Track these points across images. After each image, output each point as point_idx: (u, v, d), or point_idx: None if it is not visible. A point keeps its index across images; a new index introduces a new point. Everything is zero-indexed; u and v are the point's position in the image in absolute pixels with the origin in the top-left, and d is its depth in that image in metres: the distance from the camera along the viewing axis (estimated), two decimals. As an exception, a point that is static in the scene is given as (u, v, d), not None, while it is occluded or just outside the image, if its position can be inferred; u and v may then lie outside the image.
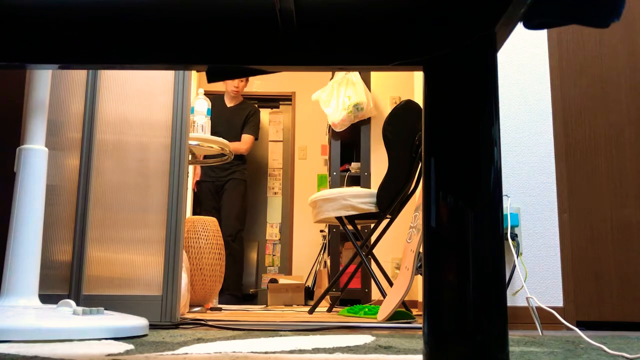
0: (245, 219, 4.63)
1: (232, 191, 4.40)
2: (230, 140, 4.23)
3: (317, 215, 2.81)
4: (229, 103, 4.42)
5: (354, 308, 2.61)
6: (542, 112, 2.32)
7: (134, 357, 0.96)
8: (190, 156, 3.19)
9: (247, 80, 4.70)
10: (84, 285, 1.88)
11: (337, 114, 4.13)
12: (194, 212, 4.66)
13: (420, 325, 1.92)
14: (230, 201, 4.39)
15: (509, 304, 2.10)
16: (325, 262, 4.36)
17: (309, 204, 2.97)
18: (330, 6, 0.64)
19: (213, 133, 4.17)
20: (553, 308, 1.91)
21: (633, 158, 2.28)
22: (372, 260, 2.88)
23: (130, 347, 1.16)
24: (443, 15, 0.62)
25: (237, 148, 4.29)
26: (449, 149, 0.61)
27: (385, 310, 2.18)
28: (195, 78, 5.23)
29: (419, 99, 3.11)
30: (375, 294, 4.02)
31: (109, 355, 1.00)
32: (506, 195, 2.24)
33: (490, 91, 0.61)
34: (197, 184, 4.47)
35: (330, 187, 4.26)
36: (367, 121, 4.32)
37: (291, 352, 1.08)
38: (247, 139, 4.38)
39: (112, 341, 1.28)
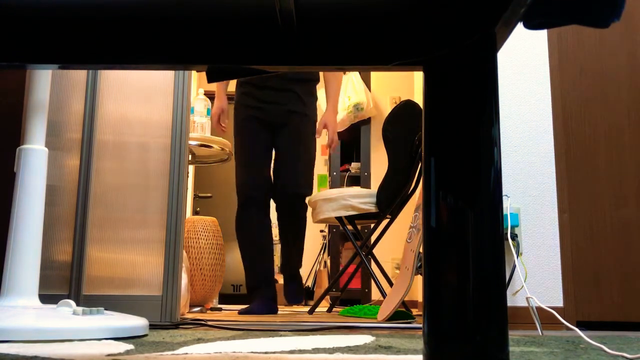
0: (312, 183, 2.87)
1: (297, 129, 2.73)
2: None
3: (317, 215, 2.81)
4: None
5: (354, 308, 2.61)
6: (542, 112, 2.32)
7: (134, 357, 0.96)
8: (190, 156, 3.19)
9: None
10: (84, 285, 1.88)
11: (337, 114, 4.13)
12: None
13: (420, 325, 1.92)
14: (293, 144, 2.72)
15: (509, 304, 2.10)
16: (325, 262, 4.36)
17: (308, 204, 2.97)
18: (330, 6, 0.64)
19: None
20: (553, 308, 1.91)
21: (633, 158, 2.28)
22: (372, 260, 2.88)
23: (130, 347, 1.16)
24: (443, 15, 0.62)
25: (338, 86, 2.92)
26: (449, 149, 0.61)
27: (385, 310, 2.18)
28: (195, 78, 5.23)
29: (419, 99, 3.11)
30: (375, 294, 4.02)
31: (109, 355, 1.00)
32: (506, 195, 2.24)
33: (490, 91, 0.61)
34: (237, 108, 2.80)
35: (330, 187, 4.26)
36: (367, 121, 4.32)
37: (291, 352, 1.08)
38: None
39: (112, 341, 1.28)
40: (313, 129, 2.82)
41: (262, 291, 2.66)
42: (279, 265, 3.04)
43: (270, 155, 2.81)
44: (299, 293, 2.90)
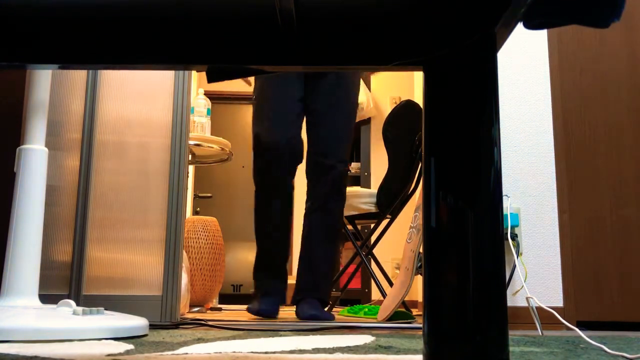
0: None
1: (335, 92, 2.31)
2: None
3: (317, 215, 2.80)
4: None
5: (354, 308, 2.61)
6: (542, 112, 2.32)
7: (134, 357, 0.96)
8: (190, 156, 3.19)
9: None
10: (84, 285, 1.88)
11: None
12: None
13: (420, 325, 1.92)
14: (331, 107, 2.30)
15: (509, 304, 2.10)
16: (325, 262, 4.35)
17: (309, 204, 2.96)
18: (330, 6, 0.64)
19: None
20: (553, 308, 1.91)
21: (633, 158, 2.28)
22: (372, 260, 2.88)
23: (130, 347, 1.16)
24: (443, 15, 0.62)
25: None
26: (449, 149, 0.61)
27: (385, 310, 2.18)
28: (195, 78, 5.23)
29: (419, 99, 3.11)
30: (375, 294, 4.02)
31: (109, 355, 1.00)
32: (506, 195, 2.24)
33: (490, 91, 0.61)
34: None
35: (330, 187, 4.25)
36: (367, 121, 4.32)
37: (291, 352, 1.08)
38: None
39: (112, 341, 1.28)
40: (355, 100, 2.39)
41: (265, 286, 2.29)
42: (298, 274, 2.34)
43: (300, 111, 2.32)
44: (316, 316, 2.14)
